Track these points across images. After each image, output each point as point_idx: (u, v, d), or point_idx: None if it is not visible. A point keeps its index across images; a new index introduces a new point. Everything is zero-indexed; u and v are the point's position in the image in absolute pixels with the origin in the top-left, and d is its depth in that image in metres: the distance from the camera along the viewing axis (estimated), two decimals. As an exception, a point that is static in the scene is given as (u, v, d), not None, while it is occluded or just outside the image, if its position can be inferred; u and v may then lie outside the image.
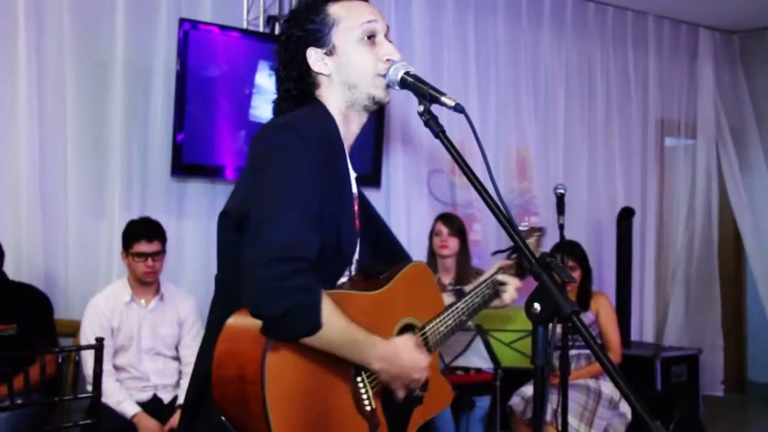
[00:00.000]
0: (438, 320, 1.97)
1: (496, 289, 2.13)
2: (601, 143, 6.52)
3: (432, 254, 4.73)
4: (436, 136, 1.70)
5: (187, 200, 4.71)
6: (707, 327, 6.97)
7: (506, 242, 1.74)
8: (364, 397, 1.77)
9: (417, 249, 4.83)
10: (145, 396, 3.94)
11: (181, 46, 4.44)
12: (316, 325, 1.60)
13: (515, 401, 4.52)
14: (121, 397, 3.82)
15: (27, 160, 4.25)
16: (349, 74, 1.85)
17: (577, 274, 4.68)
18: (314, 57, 1.86)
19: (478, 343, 3.85)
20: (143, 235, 3.93)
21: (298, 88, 1.90)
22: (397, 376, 1.80)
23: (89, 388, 3.33)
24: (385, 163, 5.24)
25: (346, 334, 1.67)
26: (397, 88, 1.84)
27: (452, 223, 4.68)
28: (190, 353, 3.96)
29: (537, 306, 1.48)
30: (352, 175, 1.91)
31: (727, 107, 7.24)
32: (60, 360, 3.49)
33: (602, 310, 4.72)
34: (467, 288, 2.14)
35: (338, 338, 1.66)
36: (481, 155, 1.68)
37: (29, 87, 4.27)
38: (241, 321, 1.65)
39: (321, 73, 1.87)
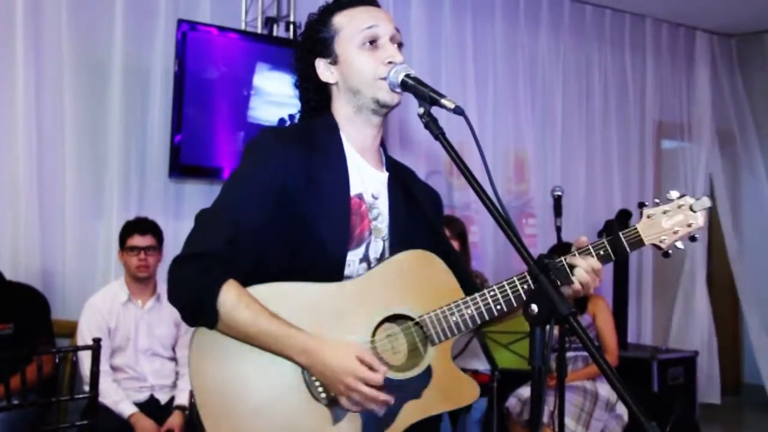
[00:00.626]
0: (445, 309, 1.86)
1: (563, 275, 1.85)
2: (598, 145, 6.53)
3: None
4: (436, 138, 1.71)
5: (185, 201, 4.71)
6: (703, 330, 6.97)
7: (504, 243, 1.74)
8: (317, 384, 1.79)
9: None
10: (142, 396, 3.94)
11: (179, 48, 4.44)
12: (211, 318, 1.73)
13: (512, 403, 4.52)
14: (118, 397, 3.82)
15: (25, 161, 4.25)
16: (352, 80, 1.91)
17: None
18: (322, 67, 1.94)
19: (475, 344, 3.85)
20: (136, 229, 3.99)
21: (317, 99, 1.97)
22: (325, 376, 1.75)
23: (86, 388, 3.33)
24: (383, 165, 5.22)
25: (251, 325, 1.72)
26: (398, 90, 1.86)
27: (453, 225, 4.68)
28: (186, 354, 3.95)
29: (534, 307, 1.48)
30: (359, 176, 1.93)
31: (724, 110, 7.25)
32: (57, 360, 3.48)
33: (599, 313, 4.72)
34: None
35: (243, 330, 1.74)
36: (479, 157, 1.68)
37: (27, 88, 4.27)
38: None
39: (329, 83, 1.94)
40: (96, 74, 4.50)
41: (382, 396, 1.77)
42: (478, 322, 1.87)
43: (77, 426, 3.31)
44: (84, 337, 3.80)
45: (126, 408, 3.81)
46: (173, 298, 1.79)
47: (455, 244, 4.64)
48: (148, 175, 4.62)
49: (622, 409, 4.46)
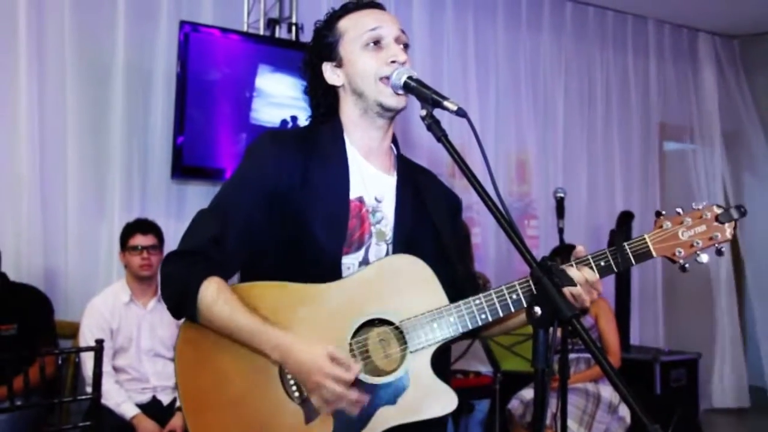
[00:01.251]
0: (426, 315, 1.82)
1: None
2: (600, 147, 6.53)
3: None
4: (439, 140, 1.71)
5: (187, 202, 4.72)
6: (706, 332, 6.96)
7: (506, 245, 1.74)
8: (292, 383, 1.80)
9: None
10: (145, 398, 3.95)
11: (181, 49, 4.44)
12: (192, 311, 1.79)
13: (514, 405, 4.52)
14: (120, 398, 3.83)
15: (28, 162, 4.26)
16: (356, 82, 1.93)
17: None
18: (328, 71, 1.97)
19: (478, 346, 3.85)
20: (138, 229, 4.01)
21: (325, 104, 2.00)
22: (298, 373, 1.76)
23: (89, 389, 3.32)
24: (385, 166, 5.22)
25: (228, 321, 1.76)
26: (401, 92, 1.87)
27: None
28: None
29: (537, 309, 1.48)
30: (361, 180, 1.94)
31: (727, 111, 7.25)
32: (60, 361, 3.48)
33: (602, 314, 4.72)
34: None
35: (221, 325, 1.78)
36: (482, 159, 1.68)
37: (30, 90, 4.28)
38: None
39: (335, 85, 1.96)
40: (98, 76, 4.51)
41: (353, 395, 1.75)
42: (461, 330, 1.83)
43: (80, 427, 3.31)
44: (86, 339, 3.81)
45: (128, 409, 3.82)
46: (162, 292, 1.91)
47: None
48: (150, 176, 4.63)
49: (624, 411, 4.45)
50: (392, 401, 1.82)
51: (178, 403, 3.94)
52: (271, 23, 4.98)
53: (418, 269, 1.88)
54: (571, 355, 4.41)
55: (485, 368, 4.39)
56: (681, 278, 6.92)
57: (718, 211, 1.87)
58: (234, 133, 4.68)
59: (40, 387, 3.37)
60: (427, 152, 5.38)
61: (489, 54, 5.96)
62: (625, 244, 1.87)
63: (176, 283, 1.82)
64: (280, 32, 5.02)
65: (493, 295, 1.83)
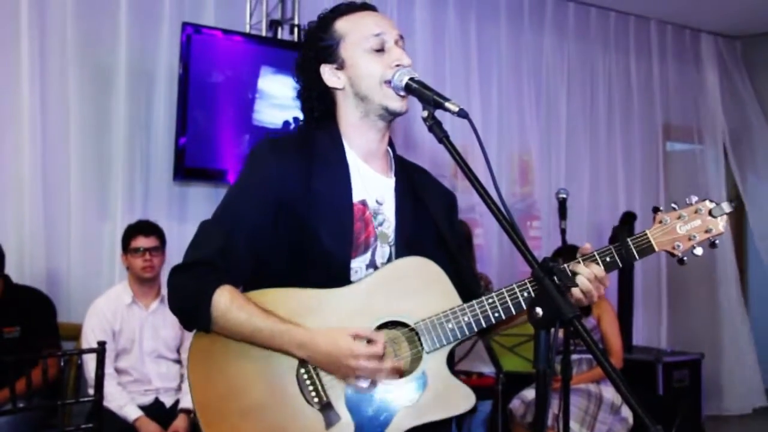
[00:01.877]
0: (441, 316, 1.84)
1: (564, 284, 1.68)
2: (603, 148, 6.52)
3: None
4: (440, 141, 1.72)
5: (189, 204, 4.71)
6: (712, 332, 6.94)
7: (509, 246, 1.74)
8: (311, 389, 1.80)
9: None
10: (147, 400, 3.94)
11: (183, 50, 4.44)
12: (206, 321, 1.78)
13: (515, 404, 4.52)
14: (123, 401, 3.82)
15: (30, 164, 4.26)
16: (359, 86, 1.92)
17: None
18: (327, 73, 1.95)
19: (480, 347, 3.85)
20: (140, 230, 4.00)
21: (320, 108, 1.98)
22: (327, 364, 1.78)
23: (91, 391, 3.33)
24: (387, 167, 5.22)
25: (246, 325, 1.76)
26: (402, 93, 1.87)
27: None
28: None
29: (539, 310, 1.48)
30: (362, 183, 1.94)
31: (730, 112, 7.23)
32: (62, 363, 3.48)
33: (604, 315, 4.71)
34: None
35: (238, 330, 1.78)
36: (484, 160, 1.68)
37: (32, 91, 4.28)
38: None
39: (335, 88, 1.95)
40: (101, 77, 4.51)
41: (388, 363, 1.78)
42: (475, 329, 1.85)
43: (82, 429, 3.30)
44: (89, 340, 3.81)
45: (131, 412, 3.81)
46: (171, 305, 1.87)
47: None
48: (152, 177, 4.63)
49: (626, 412, 4.45)
50: (411, 402, 1.84)
51: (181, 405, 3.94)
52: (274, 25, 4.99)
53: (429, 270, 1.90)
54: (573, 356, 4.40)
55: (488, 369, 4.38)
56: (685, 278, 6.93)
57: (711, 205, 1.94)
58: (236, 135, 4.68)
59: (43, 389, 3.38)
60: (429, 153, 5.37)
61: (491, 55, 5.96)
62: (629, 239, 1.91)
63: (187, 295, 1.82)
64: (283, 34, 5.03)
65: (505, 294, 1.86)
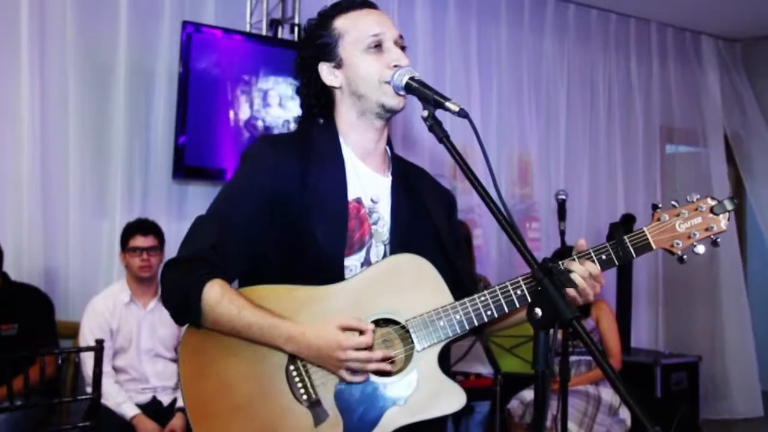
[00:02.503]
0: (432, 313, 1.83)
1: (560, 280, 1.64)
2: (602, 149, 6.52)
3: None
4: (440, 141, 1.71)
5: (188, 202, 4.71)
6: (711, 334, 6.94)
7: (508, 247, 1.73)
8: (300, 386, 1.80)
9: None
10: (145, 398, 3.94)
11: (183, 49, 4.44)
12: (196, 315, 1.78)
13: (514, 405, 4.52)
14: (120, 398, 3.82)
15: (29, 162, 4.26)
16: (357, 84, 1.91)
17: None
18: (325, 71, 1.95)
19: (478, 348, 3.85)
20: (138, 230, 4.00)
21: (319, 105, 1.98)
22: (316, 358, 1.77)
23: (89, 389, 3.32)
24: (386, 168, 5.21)
25: (236, 319, 1.76)
26: (402, 93, 1.87)
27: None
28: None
29: (538, 311, 1.48)
30: (358, 181, 1.94)
31: (731, 114, 7.24)
32: (60, 361, 3.48)
33: (603, 317, 4.72)
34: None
35: (229, 324, 1.77)
36: (483, 160, 1.68)
37: (32, 89, 4.28)
38: None
39: (333, 86, 1.95)
40: (100, 75, 4.51)
41: (378, 354, 1.77)
42: (467, 327, 1.83)
43: (79, 427, 3.31)
44: (86, 339, 3.81)
45: (128, 410, 3.81)
46: (163, 299, 1.91)
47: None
48: (151, 176, 4.63)
49: (625, 414, 4.45)
50: (401, 401, 1.82)
51: (178, 404, 3.94)
52: (274, 24, 4.98)
53: (422, 267, 1.88)
54: (572, 358, 4.41)
55: (486, 370, 4.38)
56: (684, 279, 6.92)
57: (713, 202, 1.90)
58: (236, 134, 4.68)
59: (40, 387, 3.37)
60: (429, 153, 5.38)
61: (491, 56, 5.96)
62: (625, 237, 1.88)
63: (178, 289, 1.81)
64: (283, 33, 5.02)
65: (498, 292, 1.83)
